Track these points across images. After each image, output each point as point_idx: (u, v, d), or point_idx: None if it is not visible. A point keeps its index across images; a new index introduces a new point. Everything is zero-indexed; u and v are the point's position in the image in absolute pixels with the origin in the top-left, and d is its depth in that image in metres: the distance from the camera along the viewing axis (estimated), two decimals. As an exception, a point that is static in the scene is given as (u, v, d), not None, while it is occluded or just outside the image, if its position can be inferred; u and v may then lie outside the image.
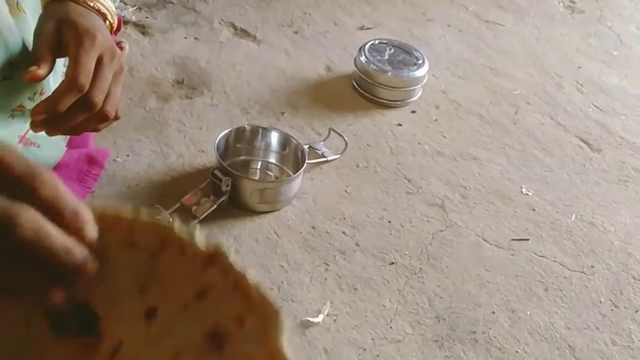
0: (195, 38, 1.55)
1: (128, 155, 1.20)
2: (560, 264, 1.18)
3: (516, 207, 1.28)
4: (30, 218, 0.30)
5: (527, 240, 1.21)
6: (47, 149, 1.03)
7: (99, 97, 0.69)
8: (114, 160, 1.17)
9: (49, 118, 0.70)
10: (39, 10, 0.76)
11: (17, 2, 0.78)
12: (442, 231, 1.20)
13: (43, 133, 1.01)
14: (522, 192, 1.32)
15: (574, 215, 1.29)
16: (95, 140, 1.18)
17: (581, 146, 1.47)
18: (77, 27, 0.69)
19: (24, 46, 0.76)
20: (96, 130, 0.76)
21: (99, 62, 0.69)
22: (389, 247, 1.15)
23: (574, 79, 1.69)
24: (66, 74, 0.68)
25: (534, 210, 1.28)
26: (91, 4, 0.74)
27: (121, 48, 1.33)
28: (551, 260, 1.18)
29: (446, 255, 1.15)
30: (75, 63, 0.67)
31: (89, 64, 0.68)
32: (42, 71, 0.69)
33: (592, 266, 1.18)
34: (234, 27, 1.62)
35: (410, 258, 1.14)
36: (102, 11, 0.75)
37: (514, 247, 1.19)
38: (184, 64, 1.46)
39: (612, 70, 1.75)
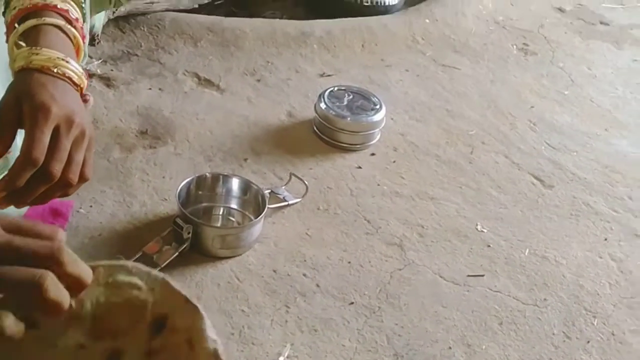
0: (160, 89, 1.60)
1: (91, 206, 1.22)
2: (514, 298, 1.22)
3: (472, 244, 1.33)
4: (52, 283, 0.47)
5: (482, 276, 1.26)
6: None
7: (56, 168, 0.70)
8: (77, 211, 1.20)
9: (11, 194, 0.72)
10: (10, 79, 0.78)
11: None
12: (400, 270, 1.24)
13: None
14: (477, 229, 1.37)
15: (527, 250, 1.33)
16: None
17: (534, 183, 1.53)
18: (33, 100, 0.71)
19: None
20: (66, 195, 0.77)
21: (56, 132, 0.71)
22: (348, 287, 1.18)
23: (527, 118, 1.76)
24: (21, 150, 0.70)
25: (489, 246, 1.33)
26: (55, 70, 0.75)
27: (85, 101, 1.36)
28: (505, 294, 1.22)
29: (404, 294, 1.19)
30: (29, 138, 0.70)
31: (43, 137, 0.69)
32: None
33: (544, 299, 1.23)
34: (198, 77, 1.67)
35: (370, 297, 1.17)
36: (67, 75, 0.76)
37: (470, 283, 1.24)
38: (148, 115, 1.50)
39: (563, 109, 1.83)
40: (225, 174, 1.28)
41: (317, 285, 1.17)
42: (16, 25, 0.78)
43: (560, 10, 2.37)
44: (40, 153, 0.69)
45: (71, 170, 0.73)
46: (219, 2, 1.99)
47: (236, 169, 1.40)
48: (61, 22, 0.79)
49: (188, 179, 1.22)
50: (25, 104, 0.71)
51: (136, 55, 1.69)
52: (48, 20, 0.78)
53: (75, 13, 0.82)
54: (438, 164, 1.54)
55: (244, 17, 1.94)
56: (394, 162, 1.52)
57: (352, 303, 1.15)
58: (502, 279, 1.26)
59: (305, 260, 1.21)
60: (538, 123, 1.75)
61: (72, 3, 0.82)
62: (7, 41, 0.80)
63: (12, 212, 1.04)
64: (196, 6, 1.91)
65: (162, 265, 1.11)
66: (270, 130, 1.54)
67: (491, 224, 1.39)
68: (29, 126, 0.70)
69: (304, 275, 1.18)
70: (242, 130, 1.51)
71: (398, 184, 1.46)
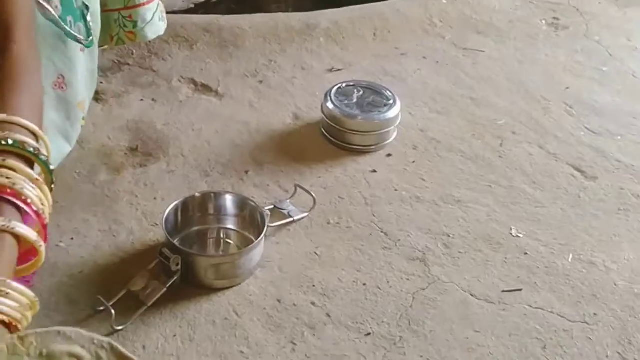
0: (153, 99, 1.47)
1: (72, 239, 1.10)
2: (559, 315, 1.05)
3: (506, 252, 1.16)
4: None
5: (520, 290, 1.09)
6: None
7: None
8: (57, 245, 1.08)
9: None
10: None
11: None
12: (423, 289, 1.08)
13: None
14: (511, 234, 1.20)
15: (571, 256, 1.16)
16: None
17: (574, 175, 1.35)
18: None
19: None
20: None
21: None
22: (364, 315, 1.03)
23: (562, 101, 1.58)
24: None
25: (526, 254, 1.16)
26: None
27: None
28: (548, 311, 1.06)
29: (429, 318, 1.03)
30: None
31: None
32: None
33: (594, 314, 1.06)
34: (194, 83, 1.54)
35: (389, 325, 1.02)
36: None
37: (506, 300, 1.07)
38: (138, 129, 1.37)
39: (603, 88, 1.64)
40: (217, 191, 1.15)
41: (328, 315, 1.02)
42: None
43: (593, -23, 2.16)
44: None
45: None
46: (217, -1, 1.86)
47: (236, 183, 1.26)
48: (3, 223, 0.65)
49: (175, 203, 1.08)
50: None
51: (127, 64, 1.57)
52: None
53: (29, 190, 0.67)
54: (463, 161, 1.38)
55: (245, 13, 1.80)
56: (414, 162, 1.36)
57: (369, 334, 1.00)
58: (543, 292, 1.09)
59: (313, 286, 1.07)
60: (575, 106, 1.56)
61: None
62: None
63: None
64: (192, 6, 1.78)
65: (149, 304, 0.98)
66: (274, 136, 1.39)
67: (527, 227, 1.22)
68: None
69: (313, 303, 1.04)
70: (243, 139, 1.38)
71: (418, 187, 1.30)
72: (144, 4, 1.14)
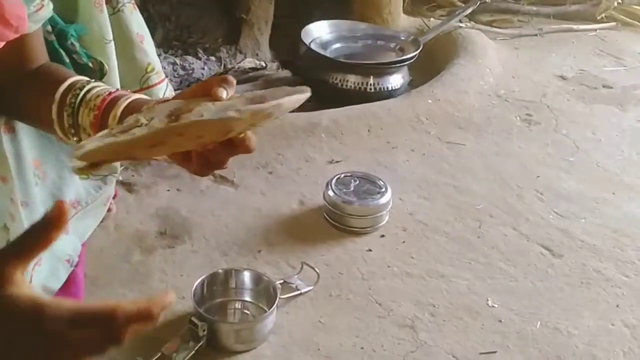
0: (178, 189, 1.69)
1: (114, 309, 1.29)
2: (528, 374, 1.23)
3: (483, 320, 1.35)
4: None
5: (495, 352, 1.28)
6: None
7: None
8: (101, 315, 1.26)
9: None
10: None
11: None
12: (412, 352, 1.27)
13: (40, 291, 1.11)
14: (488, 304, 1.39)
15: (538, 323, 1.35)
16: (85, 298, 1.28)
17: (543, 253, 1.56)
18: None
19: None
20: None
21: None
22: (362, 374, 1.21)
23: (534, 188, 1.80)
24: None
25: (500, 321, 1.35)
26: None
27: (109, 210, 1.46)
28: (518, 370, 1.24)
29: (418, 376, 1.21)
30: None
31: None
32: None
33: (558, 373, 1.24)
34: (214, 175, 1.76)
35: (383, 382, 1.20)
36: None
37: (483, 361, 1.26)
38: (166, 215, 1.59)
39: (570, 176, 1.87)
40: (237, 268, 1.35)
41: (331, 374, 1.20)
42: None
43: (562, 77, 2.43)
44: None
45: None
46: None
47: (251, 261, 1.46)
48: None
49: (202, 277, 1.28)
50: None
51: (154, 159, 1.80)
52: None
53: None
54: (447, 241, 1.58)
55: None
56: (404, 242, 1.57)
57: (366, 389, 1.18)
58: (514, 354, 1.27)
59: (319, 349, 1.25)
60: (545, 192, 1.79)
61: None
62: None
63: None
64: (210, 107, 2.03)
65: (180, 364, 1.16)
66: (282, 220, 1.60)
67: (502, 298, 1.41)
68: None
69: (318, 364, 1.22)
70: (256, 223, 1.59)
71: (408, 264, 1.50)
72: (156, 84, 1.24)
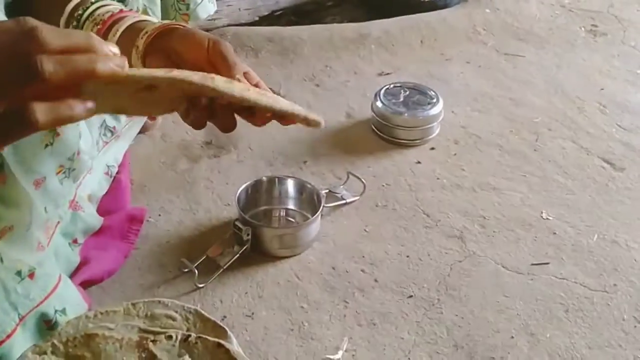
0: (223, 101, 1.66)
1: (160, 215, 1.30)
2: (582, 285, 1.18)
3: (536, 232, 1.30)
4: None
5: (547, 264, 1.23)
6: (89, 215, 1.14)
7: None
8: (147, 221, 1.27)
9: None
10: None
11: None
12: (460, 262, 1.23)
13: (86, 199, 1.13)
14: (542, 217, 1.34)
15: (595, 236, 1.29)
16: (131, 204, 1.29)
17: (604, 167, 1.48)
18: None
19: None
20: None
21: None
22: (407, 281, 1.19)
23: (596, 101, 1.70)
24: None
25: (554, 234, 1.30)
26: None
27: (154, 118, 1.45)
28: (572, 281, 1.19)
29: (465, 285, 1.18)
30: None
31: None
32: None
33: (614, 285, 1.18)
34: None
35: (429, 290, 1.17)
36: None
37: (534, 272, 1.21)
38: (212, 126, 1.56)
39: (636, 89, 1.75)
40: (281, 176, 1.32)
41: (376, 281, 1.18)
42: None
43: (633, -14, 2.26)
44: None
45: None
46: (279, 12, 2.05)
47: (296, 171, 1.44)
48: None
49: (245, 184, 1.27)
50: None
51: (201, 70, 1.77)
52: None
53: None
54: (501, 154, 1.52)
55: (304, 24, 1.99)
56: (455, 155, 1.51)
57: (411, 296, 1.16)
58: (568, 266, 1.22)
59: (363, 257, 1.23)
60: (608, 105, 1.68)
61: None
62: None
63: (92, 220, 1.14)
64: (256, 19, 1.98)
65: (224, 267, 1.16)
66: (328, 132, 1.57)
67: (557, 211, 1.35)
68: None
69: (362, 271, 1.20)
70: (302, 135, 1.55)
71: (459, 176, 1.45)
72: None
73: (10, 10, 0.90)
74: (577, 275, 1.20)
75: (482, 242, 1.27)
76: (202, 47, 0.81)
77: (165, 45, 0.84)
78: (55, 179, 0.96)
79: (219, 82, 0.70)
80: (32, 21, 0.58)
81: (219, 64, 0.80)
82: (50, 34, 0.57)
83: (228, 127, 0.81)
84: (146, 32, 0.84)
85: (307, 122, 0.78)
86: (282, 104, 0.76)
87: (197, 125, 0.81)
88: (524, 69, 1.84)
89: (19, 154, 0.87)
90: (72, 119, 0.60)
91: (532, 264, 1.23)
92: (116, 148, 1.23)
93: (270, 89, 1.71)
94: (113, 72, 0.61)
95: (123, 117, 1.20)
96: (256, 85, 0.84)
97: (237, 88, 0.73)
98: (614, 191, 1.41)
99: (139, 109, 0.78)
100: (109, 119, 1.17)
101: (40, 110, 0.57)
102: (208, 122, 0.81)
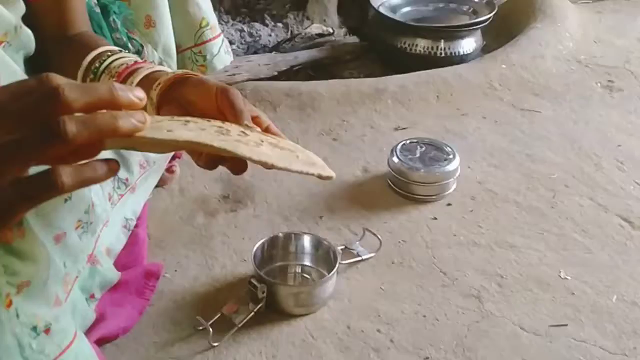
0: (241, 154, 1.68)
1: (176, 271, 1.30)
2: (601, 348, 1.16)
3: (554, 292, 1.28)
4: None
5: (566, 325, 1.21)
6: (107, 270, 1.15)
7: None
8: (163, 276, 1.28)
9: None
10: None
11: None
12: (477, 322, 1.22)
13: (105, 254, 1.14)
14: (560, 276, 1.32)
15: (615, 297, 1.27)
16: (148, 258, 1.30)
17: (622, 225, 1.46)
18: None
19: None
20: None
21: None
22: (423, 342, 1.17)
23: (614, 157, 1.70)
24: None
25: (573, 294, 1.28)
26: None
27: (172, 172, 1.47)
28: (591, 344, 1.17)
29: (482, 347, 1.17)
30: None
31: None
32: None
33: (634, 348, 1.16)
34: (277, 140, 1.75)
35: (446, 352, 1.15)
36: None
37: (552, 334, 1.19)
38: (229, 180, 1.58)
39: (654, 145, 1.75)
40: (297, 232, 1.33)
41: (391, 341, 1.17)
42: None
43: (649, 42, 2.28)
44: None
45: None
46: (297, 67, 2.09)
47: (312, 226, 1.44)
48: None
49: (262, 240, 1.27)
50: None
51: (219, 124, 1.80)
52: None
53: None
54: (518, 210, 1.51)
55: (321, 79, 2.02)
56: (471, 211, 1.51)
57: (427, 358, 1.14)
58: (587, 328, 1.20)
59: (379, 316, 1.22)
60: (626, 162, 1.68)
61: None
62: None
63: (110, 274, 1.14)
64: (275, 73, 2.02)
65: (239, 325, 1.16)
66: (345, 187, 1.58)
67: (576, 271, 1.34)
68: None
69: (378, 330, 1.19)
70: (318, 189, 1.56)
71: (475, 233, 1.44)
72: (211, 40, 1.27)
73: (30, 64, 0.93)
74: (597, 338, 1.18)
75: (500, 302, 1.26)
76: (211, 95, 0.83)
77: (177, 94, 0.86)
78: (75, 234, 0.97)
79: (241, 149, 0.71)
80: (54, 79, 0.59)
81: (227, 112, 0.82)
82: (73, 93, 0.58)
83: (238, 170, 0.82)
84: (159, 84, 0.86)
85: (319, 176, 0.78)
86: (295, 166, 0.75)
87: (209, 167, 0.83)
88: (540, 124, 1.84)
89: (39, 209, 0.88)
90: (96, 181, 0.62)
91: (551, 326, 1.21)
92: (133, 201, 1.24)
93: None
94: (135, 129, 0.63)
95: (136, 169, 1.22)
96: (267, 129, 0.85)
97: (256, 152, 0.73)
98: (633, 250, 1.39)
99: (148, 148, 0.79)
100: (120, 172, 1.18)
101: (66, 174, 0.59)
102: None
